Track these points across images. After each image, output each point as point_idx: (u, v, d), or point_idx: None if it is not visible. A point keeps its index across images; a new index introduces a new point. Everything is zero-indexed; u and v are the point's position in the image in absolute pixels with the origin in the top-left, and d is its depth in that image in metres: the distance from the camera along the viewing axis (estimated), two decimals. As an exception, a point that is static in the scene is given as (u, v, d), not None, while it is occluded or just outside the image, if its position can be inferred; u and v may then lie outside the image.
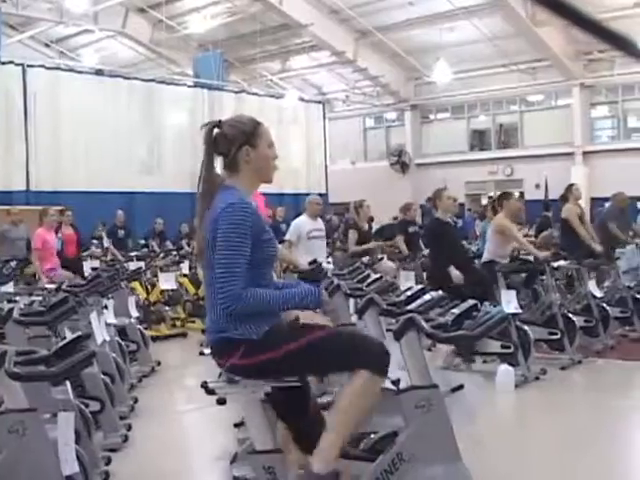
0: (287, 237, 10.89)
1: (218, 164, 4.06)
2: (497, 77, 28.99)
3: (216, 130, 4.04)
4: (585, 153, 28.15)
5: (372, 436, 4.67)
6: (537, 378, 8.81)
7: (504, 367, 8.54)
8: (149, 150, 24.12)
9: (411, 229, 13.37)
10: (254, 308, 3.77)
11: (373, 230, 16.47)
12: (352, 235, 12.14)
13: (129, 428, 6.86)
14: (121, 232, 18.18)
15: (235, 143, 3.98)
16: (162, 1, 26.70)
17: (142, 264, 12.93)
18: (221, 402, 3.95)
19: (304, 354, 3.85)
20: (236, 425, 6.16)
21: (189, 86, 26.87)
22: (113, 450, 6.25)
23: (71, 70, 24.66)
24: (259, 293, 3.77)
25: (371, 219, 13.57)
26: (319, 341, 3.87)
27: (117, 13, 28.49)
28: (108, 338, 7.56)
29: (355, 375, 3.86)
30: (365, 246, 11.97)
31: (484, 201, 28.26)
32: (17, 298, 8.42)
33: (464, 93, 30.30)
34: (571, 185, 12.74)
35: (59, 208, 13.90)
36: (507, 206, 10.28)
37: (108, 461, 5.85)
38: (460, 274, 9.44)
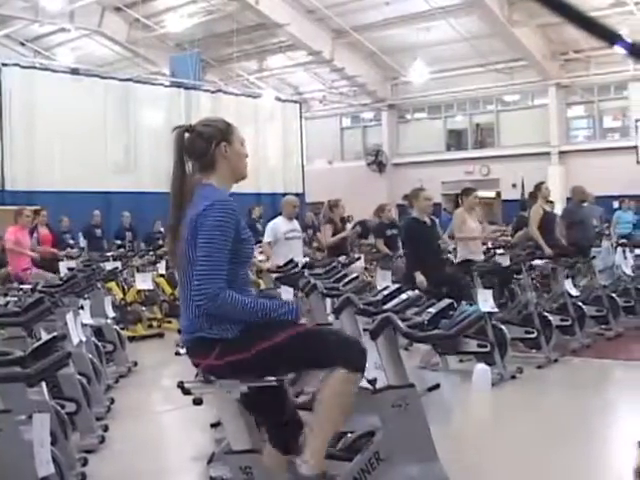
0: (265, 239, 10.91)
1: (189, 167, 4.06)
2: (474, 77, 29.06)
3: (187, 134, 4.05)
4: (561, 153, 28.28)
5: (349, 435, 4.69)
6: (513, 377, 8.85)
7: (481, 366, 8.57)
8: (125, 150, 23.98)
9: (389, 232, 13.40)
10: (229, 311, 3.76)
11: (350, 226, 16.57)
12: (327, 229, 12.21)
13: (106, 429, 6.84)
14: (98, 231, 18.12)
15: (213, 141, 4.01)
16: (139, 0, 26.58)
17: (118, 264, 12.88)
18: (197, 402, 3.94)
19: (279, 351, 3.83)
20: (213, 425, 6.16)
21: (166, 86, 26.75)
22: (89, 451, 6.22)
23: (47, 69, 24.44)
24: (237, 298, 3.76)
25: (344, 219, 13.57)
26: (295, 338, 3.86)
27: (93, 12, 28.28)
28: (84, 339, 7.53)
29: (332, 374, 3.86)
30: (339, 235, 12.07)
31: (461, 201, 28.29)
32: (-8, 299, 8.37)
33: (441, 93, 30.35)
34: (540, 184, 12.79)
35: (34, 208, 13.82)
36: (467, 202, 10.47)
37: (84, 462, 5.83)
38: (424, 280, 9.45)
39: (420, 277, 9.47)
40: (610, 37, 1.36)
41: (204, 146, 4.01)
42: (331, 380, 3.86)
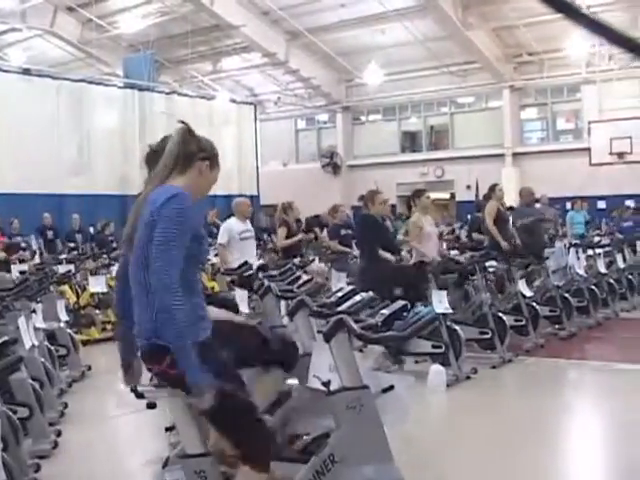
0: (219, 240, 10.88)
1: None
2: (428, 79, 29.25)
3: (189, 133, 4.05)
4: (515, 154, 28.56)
5: (304, 438, 4.67)
6: (468, 377, 8.90)
7: (436, 367, 8.60)
8: (79, 151, 23.78)
9: (343, 232, 13.46)
10: (170, 314, 3.64)
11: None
12: (281, 232, 12.19)
13: (59, 434, 6.77)
14: (50, 233, 17.96)
15: (202, 153, 4.03)
16: (92, 0, 26.36)
17: (72, 267, 12.75)
18: (151, 406, 3.91)
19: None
20: (167, 429, 6.10)
21: (119, 87, 26.58)
22: (42, 457, 6.16)
23: (-2, 69, 24.22)
24: (184, 311, 3.65)
25: (299, 221, 13.58)
26: (220, 397, 3.75)
27: (45, 11, 28.04)
28: (37, 343, 7.46)
29: (239, 473, 3.88)
30: (293, 239, 12.05)
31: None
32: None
33: (395, 95, 30.48)
34: (494, 185, 12.89)
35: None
36: (419, 203, 10.48)
37: (37, 468, 5.77)
38: (391, 255, 9.59)
39: (385, 253, 9.68)
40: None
41: (194, 151, 4.00)
42: None
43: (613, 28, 1.33)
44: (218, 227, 12.82)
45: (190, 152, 3.99)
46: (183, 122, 4.07)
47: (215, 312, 4.52)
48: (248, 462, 3.84)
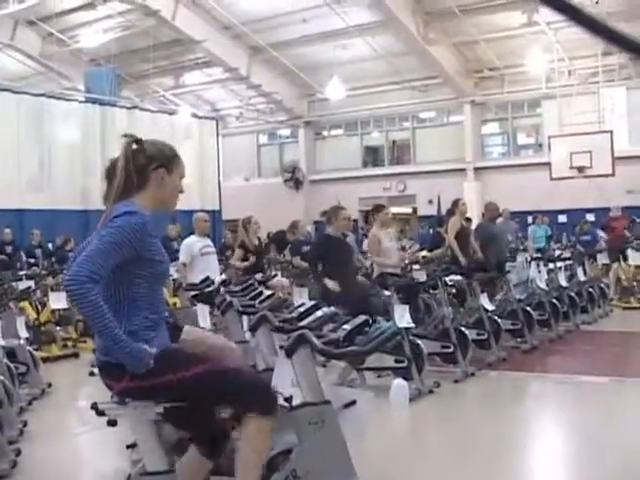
0: (181, 260, 10.87)
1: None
2: (390, 94, 29.40)
3: (135, 146, 3.96)
4: (476, 169, 28.79)
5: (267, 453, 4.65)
6: (431, 391, 8.90)
7: (398, 381, 8.59)
8: (39, 166, 23.60)
9: (305, 248, 13.46)
10: (86, 309, 3.56)
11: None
12: (238, 253, 12.17)
13: (18, 453, 6.67)
14: (8, 248, 17.78)
15: (153, 162, 3.94)
16: (52, 14, 26.21)
17: (31, 283, 12.62)
18: (112, 423, 3.87)
19: (186, 386, 3.77)
20: (129, 446, 6.05)
21: (80, 101, 26.41)
22: (1, 477, 6.07)
23: (-44, 83, 24.03)
24: (100, 305, 3.54)
25: (260, 239, 13.46)
26: (202, 376, 3.78)
27: (5, 25, 27.86)
28: (-5, 360, 7.37)
29: (245, 422, 3.82)
30: (245, 264, 11.96)
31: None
32: None
33: (357, 110, 30.63)
34: (457, 200, 12.97)
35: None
36: (379, 218, 10.53)
37: (-5, 487, 5.69)
38: (335, 283, 9.56)
39: (330, 282, 9.56)
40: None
41: (143, 164, 3.92)
42: (245, 430, 3.81)
43: (614, 29, 1.33)
44: (179, 243, 12.77)
45: (140, 166, 3.91)
46: (126, 135, 4.00)
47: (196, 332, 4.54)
48: (253, 409, 3.78)
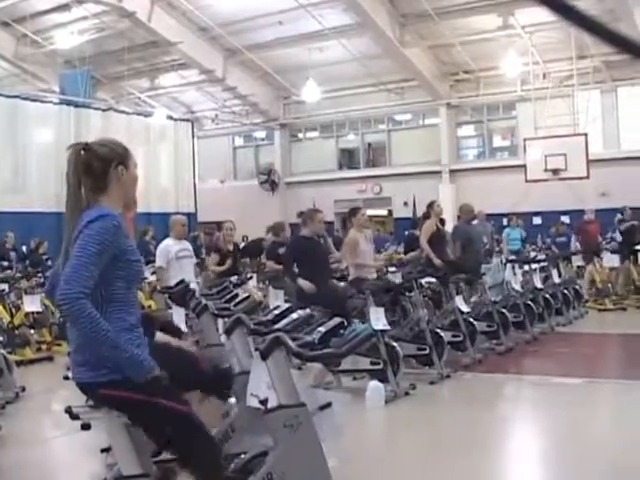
0: (157, 263, 10.81)
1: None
2: (366, 96, 29.41)
3: (83, 152, 3.94)
4: (452, 171, 28.85)
5: (242, 456, 4.64)
6: (407, 393, 8.91)
7: (374, 383, 8.61)
8: (13, 168, 23.48)
9: (281, 250, 13.40)
10: (82, 325, 3.58)
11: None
12: (213, 257, 12.18)
13: (-9, 457, 6.63)
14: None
15: (111, 162, 3.94)
16: (27, 15, 26.02)
17: (5, 286, 12.55)
18: (86, 427, 3.85)
19: (154, 414, 3.78)
20: (103, 450, 6.01)
21: (55, 103, 26.28)
22: (-26, 480, 6.03)
23: None
24: (96, 317, 3.57)
25: (235, 244, 13.40)
26: (176, 415, 3.79)
27: (-21, 27, 27.68)
28: (-32, 363, 7.31)
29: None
30: (221, 268, 11.95)
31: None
32: None
33: (333, 112, 30.62)
34: (432, 202, 12.98)
35: None
36: (355, 221, 10.56)
37: (-32, 492, 5.64)
38: (311, 284, 9.57)
39: (305, 283, 9.59)
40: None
41: (101, 166, 3.92)
42: None
43: (614, 30, 1.33)
44: (155, 246, 12.71)
45: (99, 170, 3.93)
46: (73, 145, 4.02)
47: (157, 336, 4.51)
48: (195, 474, 3.81)
